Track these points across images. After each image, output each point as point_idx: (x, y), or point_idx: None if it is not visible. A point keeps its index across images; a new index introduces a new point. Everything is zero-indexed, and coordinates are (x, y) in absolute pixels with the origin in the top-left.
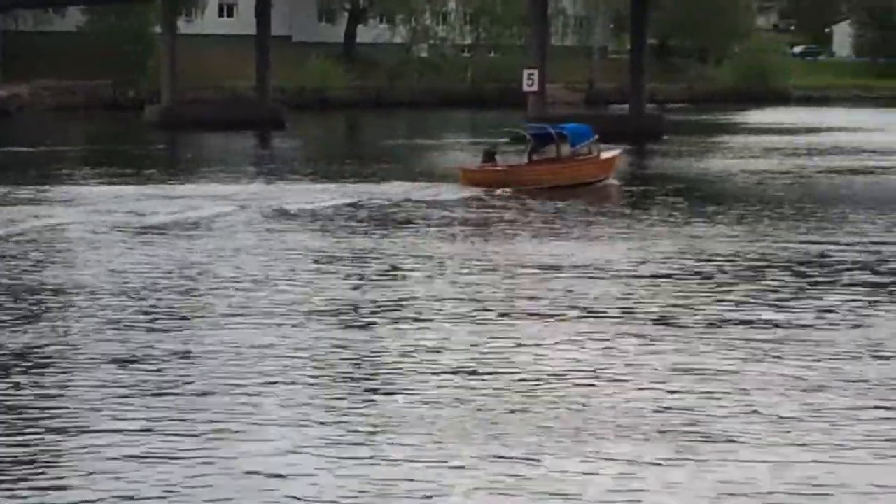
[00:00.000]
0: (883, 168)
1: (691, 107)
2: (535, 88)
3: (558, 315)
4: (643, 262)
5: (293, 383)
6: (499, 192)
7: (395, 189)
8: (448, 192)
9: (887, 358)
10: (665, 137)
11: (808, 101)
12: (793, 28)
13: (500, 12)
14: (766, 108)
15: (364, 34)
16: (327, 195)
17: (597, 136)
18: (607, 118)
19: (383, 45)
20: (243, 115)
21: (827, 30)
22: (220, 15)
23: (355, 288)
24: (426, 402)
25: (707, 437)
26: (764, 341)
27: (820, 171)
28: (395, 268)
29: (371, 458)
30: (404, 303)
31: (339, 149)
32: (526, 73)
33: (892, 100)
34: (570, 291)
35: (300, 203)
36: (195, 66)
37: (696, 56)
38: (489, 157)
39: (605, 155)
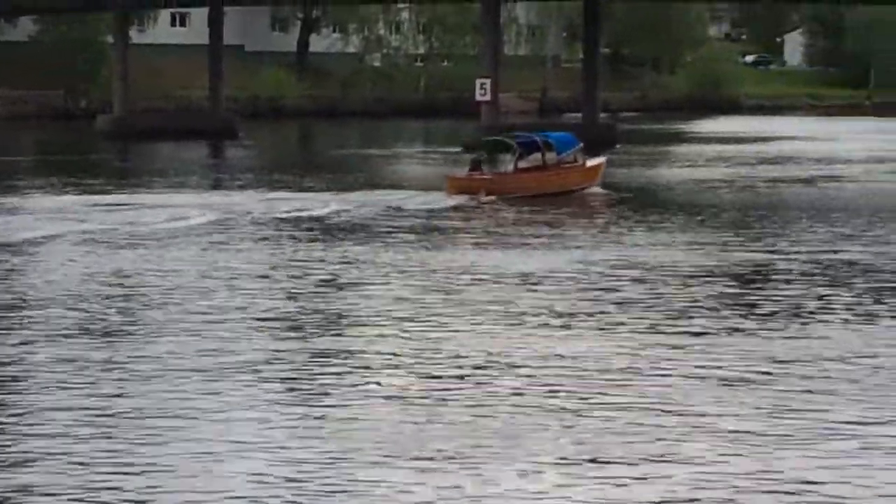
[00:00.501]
0: (827, 177)
1: (644, 115)
2: (487, 98)
3: (491, 323)
4: (581, 271)
5: (227, 392)
6: (485, 199)
7: (379, 198)
8: (434, 200)
9: (819, 368)
10: (618, 146)
11: (760, 109)
12: (745, 37)
13: (453, 22)
14: (719, 117)
15: (317, 43)
16: (283, 204)
17: (582, 144)
18: (560, 127)
19: (336, 55)
20: (196, 124)
21: (779, 39)
22: (173, 24)
23: (292, 298)
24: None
25: (642, 455)
26: (684, 347)
27: (766, 181)
28: (335, 277)
29: (313, 463)
30: (338, 313)
31: (292, 158)
32: (479, 82)
33: (843, 108)
34: (506, 300)
35: (256, 212)
36: (148, 76)
37: (649, 65)
38: (476, 165)
39: (590, 163)
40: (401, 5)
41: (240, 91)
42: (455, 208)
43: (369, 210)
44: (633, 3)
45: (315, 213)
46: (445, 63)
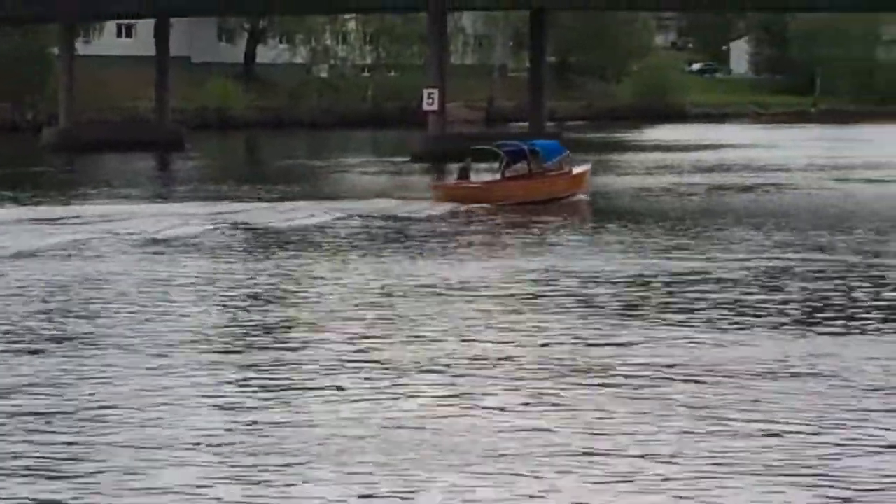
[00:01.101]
0: (765, 185)
1: (591, 124)
2: (435, 107)
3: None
4: (505, 281)
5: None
6: (473, 207)
7: (362, 206)
8: (420, 208)
9: (728, 378)
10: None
11: (706, 117)
12: (691, 46)
13: (400, 32)
14: (665, 125)
15: (264, 54)
16: (225, 215)
17: (568, 152)
18: (507, 136)
19: (283, 66)
20: (142, 136)
21: (725, 47)
22: (119, 36)
23: (223, 311)
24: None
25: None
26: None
27: (706, 188)
28: (267, 291)
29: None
30: (267, 325)
31: (239, 169)
32: (426, 91)
33: (789, 116)
34: (439, 313)
35: (197, 224)
36: (94, 88)
37: (596, 73)
38: (464, 173)
39: (576, 170)
40: (347, 16)
41: (186, 102)
42: (393, 218)
43: (328, 220)
44: (579, 12)
45: (264, 223)
46: (392, 73)
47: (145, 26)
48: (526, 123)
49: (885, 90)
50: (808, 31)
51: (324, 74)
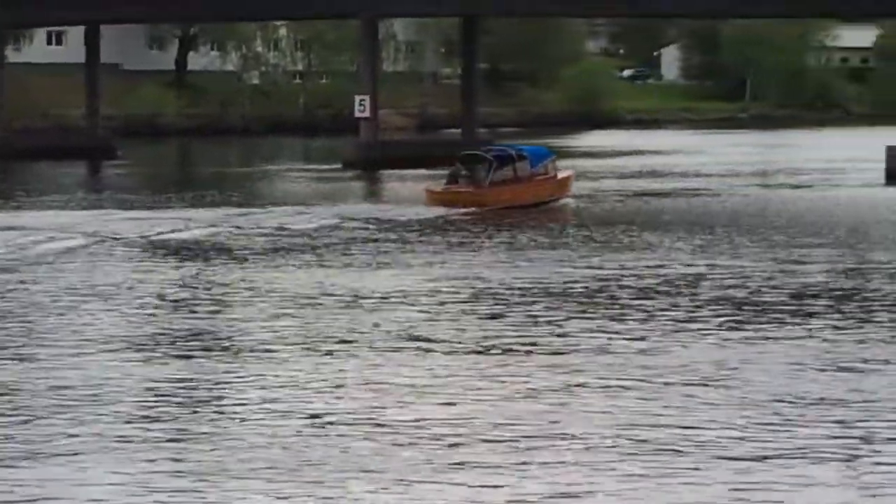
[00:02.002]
0: (687, 190)
1: (523, 131)
2: (367, 114)
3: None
4: (429, 291)
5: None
6: (461, 211)
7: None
8: (414, 212)
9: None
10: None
11: (637, 123)
12: (622, 52)
13: (332, 39)
14: (596, 132)
15: (195, 61)
16: (156, 223)
17: (554, 156)
18: (440, 143)
19: (214, 73)
20: (73, 144)
21: (656, 53)
22: (49, 43)
23: (136, 320)
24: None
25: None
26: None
27: (628, 195)
28: (201, 298)
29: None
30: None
31: (171, 177)
32: (357, 98)
33: (719, 122)
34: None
35: (125, 232)
36: (24, 96)
37: (527, 80)
38: (453, 178)
39: (561, 175)
40: (279, 23)
41: (117, 110)
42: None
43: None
44: (510, 19)
45: (202, 231)
46: (324, 80)
47: (75, 34)
48: (458, 130)
49: (815, 95)
50: (739, 37)
51: (255, 81)
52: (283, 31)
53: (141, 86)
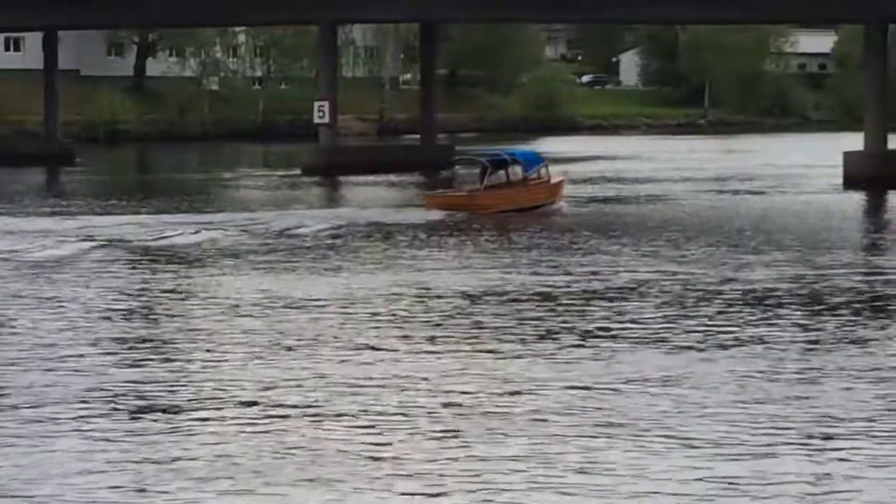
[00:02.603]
0: (636, 196)
1: (482, 136)
2: (326, 120)
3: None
4: (363, 297)
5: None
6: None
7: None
8: (414, 215)
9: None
10: (457, 168)
11: (596, 129)
12: (580, 58)
13: (291, 44)
14: (555, 137)
15: (154, 67)
16: (109, 229)
17: (546, 162)
18: (399, 149)
19: (173, 79)
20: (32, 150)
21: (614, 59)
22: (7, 49)
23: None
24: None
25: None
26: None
27: (580, 201)
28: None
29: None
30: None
31: (131, 183)
32: (317, 104)
33: (677, 128)
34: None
35: (86, 237)
36: None
37: (486, 86)
38: (449, 183)
39: (554, 180)
40: (238, 29)
41: (76, 116)
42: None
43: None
44: (468, 25)
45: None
46: (283, 86)
47: (33, 39)
48: (418, 136)
49: (773, 101)
50: (697, 43)
51: (214, 87)
52: (242, 37)
53: (99, 92)
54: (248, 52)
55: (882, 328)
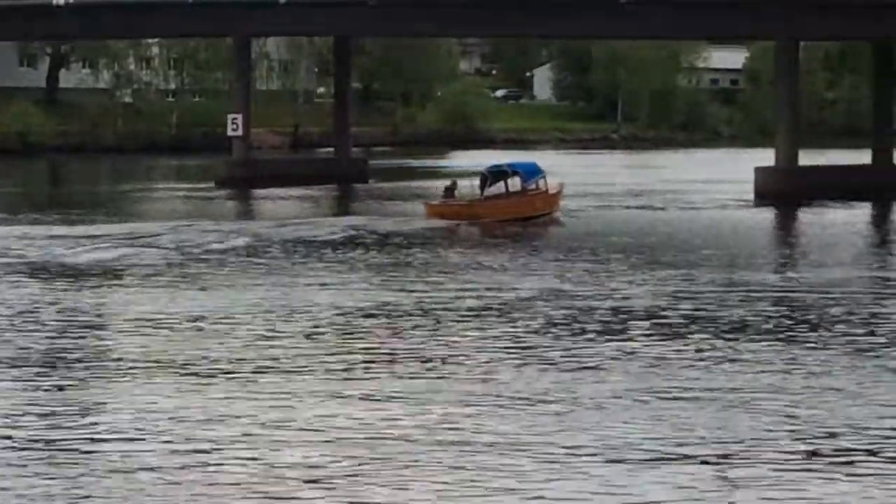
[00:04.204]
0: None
1: (396, 150)
2: (239, 133)
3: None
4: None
5: None
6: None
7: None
8: (416, 223)
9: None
10: (370, 181)
11: (509, 143)
12: (495, 72)
13: (204, 57)
14: (468, 151)
15: (67, 79)
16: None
17: (544, 173)
18: (313, 162)
19: (86, 90)
20: None
21: (528, 74)
22: None
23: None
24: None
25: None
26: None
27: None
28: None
29: None
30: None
31: (42, 196)
32: (230, 117)
33: (590, 142)
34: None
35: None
36: None
37: (400, 99)
38: (449, 192)
39: (552, 191)
40: (151, 41)
41: None
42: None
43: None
44: (383, 38)
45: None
46: (197, 98)
47: None
48: (332, 149)
49: (685, 117)
50: (610, 59)
51: (128, 99)
52: (155, 49)
53: (11, 103)
54: (161, 64)
55: (736, 349)
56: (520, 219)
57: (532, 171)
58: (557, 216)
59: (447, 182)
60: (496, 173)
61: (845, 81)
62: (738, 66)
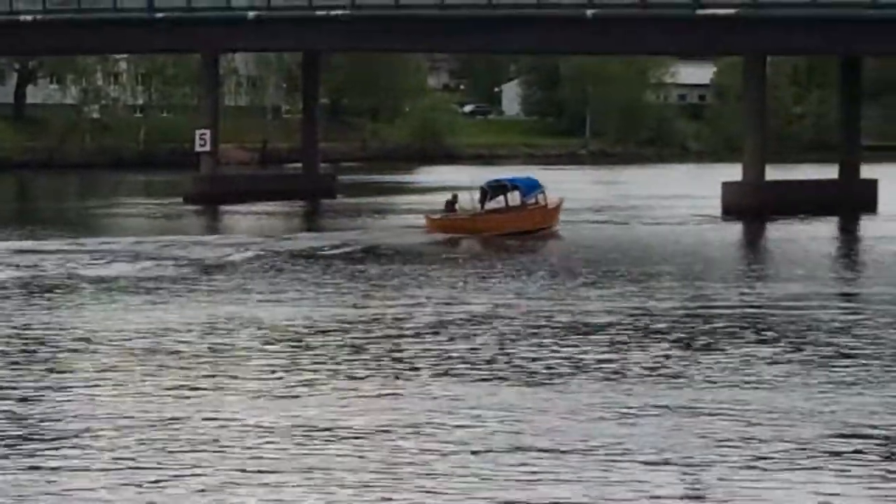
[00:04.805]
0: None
1: (365, 165)
2: (207, 148)
3: None
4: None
5: None
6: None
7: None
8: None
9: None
10: (338, 197)
11: (478, 159)
12: (463, 87)
13: (173, 73)
14: (438, 167)
15: (34, 94)
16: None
17: (544, 188)
18: (281, 178)
19: (54, 106)
20: None
21: (496, 89)
22: None
23: None
24: None
25: None
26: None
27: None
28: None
29: None
30: None
31: (9, 212)
32: (198, 133)
33: (558, 158)
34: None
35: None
36: None
37: (369, 115)
38: (450, 206)
39: (551, 206)
40: (119, 56)
41: None
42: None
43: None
44: (351, 53)
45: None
46: (165, 114)
47: None
48: (300, 165)
49: (653, 132)
50: (578, 74)
51: (95, 115)
52: (123, 65)
53: None
54: (129, 79)
55: (687, 363)
56: (520, 232)
57: (532, 186)
58: (557, 230)
59: (448, 196)
60: (496, 188)
61: (813, 96)
62: (706, 81)
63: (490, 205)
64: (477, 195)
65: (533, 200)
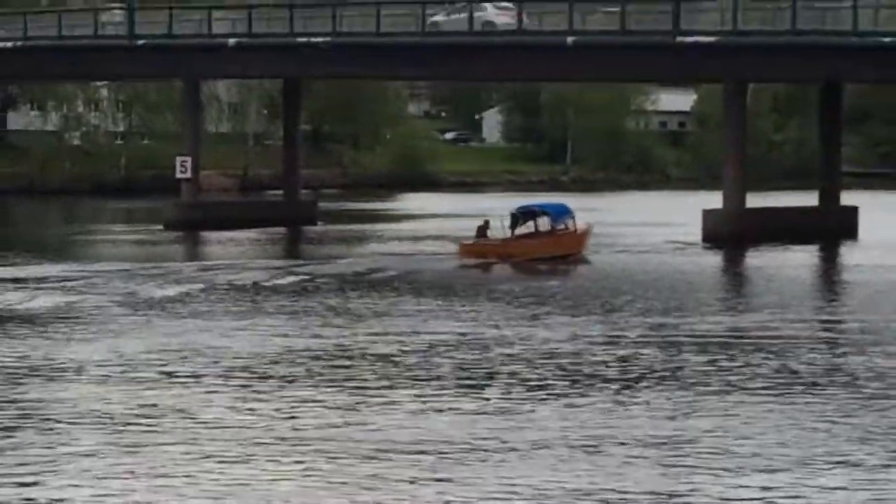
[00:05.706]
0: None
1: (346, 192)
2: (188, 175)
3: None
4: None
5: None
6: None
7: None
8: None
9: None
10: (319, 224)
11: (459, 186)
12: (444, 115)
13: (154, 99)
14: (419, 194)
15: (15, 121)
16: None
17: (573, 214)
18: (262, 204)
19: (35, 132)
20: None
21: (477, 116)
22: None
23: None
24: None
25: None
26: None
27: (404, 256)
28: None
29: None
30: None
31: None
32: (179, 160)
33: (539, 184)
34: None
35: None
36: None
37: (349, 142)
38: (482, 231)
39: (580, 231)
40: (100, 83)
41: None
42: None
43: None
44: (332, 81)
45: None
46: (146, 141)
47: None
48: (281, 192)
49: (634, 159)
50: (559, 101)
51: (76, 142)
52: (104, 92)
53: None
54: (110, 106)
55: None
56: (549, 258)
57: (561, 212)
58: (585, 255)
59: (479, 222)
60: (527, 213)
61: (793, 123)
62: (687, 108)
63: (520, 230)
64: (507, 221)
65: (562, 226)
